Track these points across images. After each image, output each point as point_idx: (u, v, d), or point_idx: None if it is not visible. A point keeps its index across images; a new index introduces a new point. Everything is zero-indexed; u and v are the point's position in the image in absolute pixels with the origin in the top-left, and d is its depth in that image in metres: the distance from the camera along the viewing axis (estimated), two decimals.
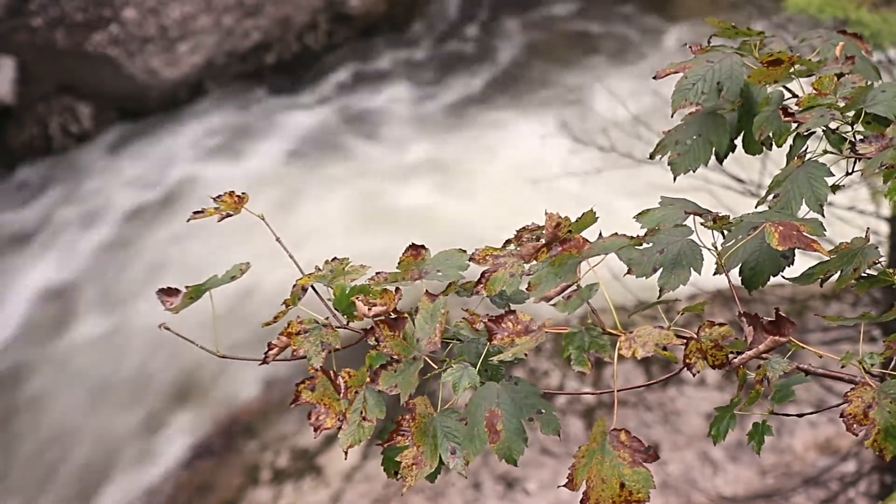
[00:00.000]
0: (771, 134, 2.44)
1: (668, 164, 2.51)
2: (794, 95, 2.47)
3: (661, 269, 2.26)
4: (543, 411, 2.12)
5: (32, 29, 11.50)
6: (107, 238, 10.36)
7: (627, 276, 2.26)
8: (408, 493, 6.26)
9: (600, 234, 2.24)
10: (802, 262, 2.35)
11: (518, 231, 2.29)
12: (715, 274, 2.28)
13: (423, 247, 2.33)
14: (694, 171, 2.51)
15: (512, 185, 9.98)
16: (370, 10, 12.32)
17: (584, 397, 8.20)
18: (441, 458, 2.11)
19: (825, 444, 7.99)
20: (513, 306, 2.22)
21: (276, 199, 10.35)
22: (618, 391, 2.16)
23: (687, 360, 2.13)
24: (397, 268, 2.32)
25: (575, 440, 7.96)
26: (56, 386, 9.26)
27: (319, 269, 2.32)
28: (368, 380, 2.16)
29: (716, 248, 2.27)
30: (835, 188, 2.35)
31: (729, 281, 2.25)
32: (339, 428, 2.15)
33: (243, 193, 2.41)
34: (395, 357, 2.17)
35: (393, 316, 2.20)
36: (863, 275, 2.27)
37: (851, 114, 2.37)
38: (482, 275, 2.24)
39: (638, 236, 2.25)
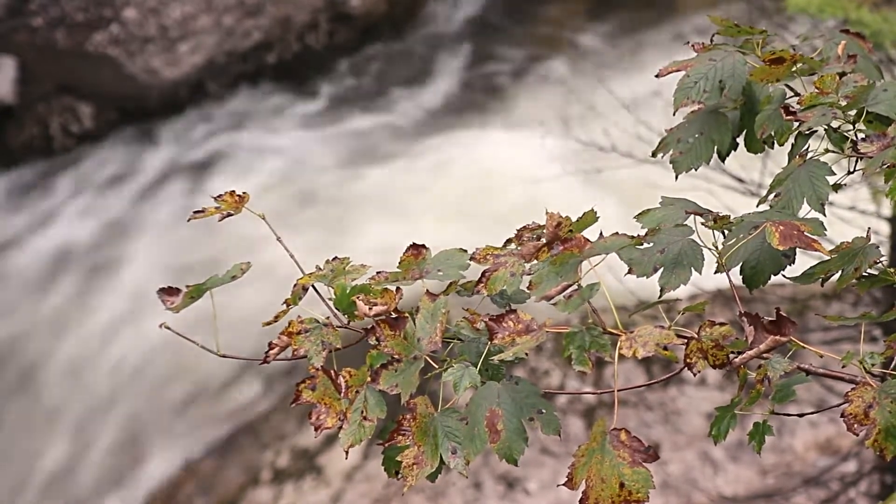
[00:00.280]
0: (773, 132, 2.44)
1: (670, 162, 2.51)
2: (796, 94, 2.47)
3: (661, 269, 2.25)
4: (544, 411, 2.12)
5: (33, 29, 11.51)
6: (108, 239, 10.36)
7: (628, 276, 2.26)
8: (408, 492, 6.25)
9: (601, 233, 2.24)
10: (803, 262, 2.35)
11: (519, 230, 2.29)
12: (716, 273, 2.28)
13: (423, 246, 2.33)
14: (696, 170, 2.51)
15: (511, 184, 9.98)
16: (371, 10, 12.32)
17: (585, 397, 8.20)
18: (442, 458, 2.11)
19: (826, 444, 7.99)
20: (514, 306, 2.22)
21: (278, 198, 10.35)
22: (618, 391, 2.16)
23: (688, 360, 2.13)
24: (398, 267, 2.32)
25: (575, 440, 7.96)
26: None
27: (320, 269, 2.32)
28: (369, 379, 2.16)
29: (716, 247, 2.27)
30: (836, 187, 2.35)
31: (730, 280, 2.25)
32: (340, 427, 2.15)
33: (244, 193, 2.41)
34: (396, 356, 2.17)
35: (394, 315, 2.20)
36: (864, 274, 2.27)
37: (853, 113, 2.37)
38: (483, 274, 2.24)
39: (639, 236, 2.25)
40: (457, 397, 2.13)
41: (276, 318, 2.27)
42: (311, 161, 11.01)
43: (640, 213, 2.35)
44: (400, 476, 2.12)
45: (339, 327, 2.24)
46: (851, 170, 2.36)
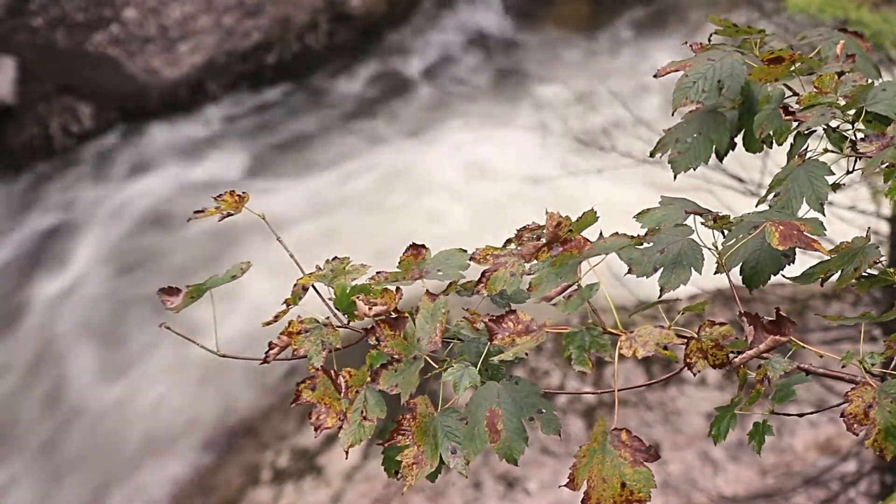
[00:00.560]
0: (771, 132, 2.44)
1: (669, 162, 2.51)
2: (795, 94, 2.47)
3: (661, 269, 2.25)
4: (544, 411, 2.12)
5: (33, 29, 11.51)
6: (108, 240, 10.36)
7: (628, 276, 2.26)
8: (408, 492, 6.25)
9: (601, 233, 2.24)
10: (803, 262, 2.35)
11: (518, 230, 2.29)
12: (715, 273, 2.28)
13: (423, 246, 2.33)
14: (695, 170, 2.51)
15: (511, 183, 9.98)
16: (371, 10, 12.32)
17: (585, 397, 8.20)
18: (442, 458, 2.11)
19: (826, 444, 7.99)
20: (513, 306, 2.22)
21: (276, 201, 10.35)
22: (618, 391, 2.16)
23: (687, 360, 2.13)
24: (398, 267, 2.32)
25: (575, 440, 7.96)
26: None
27: (320, 269, 2.32)
28: (369, 379, 2.16)
29: (716, 247, 2.27)
30: (835, 187, 2.35)
31: (729, 280, 2.25)
32: (340, 427, 2.15)
33: (244, 193, 2.41)
34: (396, 356, 2.17)
35: (393, 315, 2.20)
36: (863, 274, 2.27)
37: (852, 112, 2.37)
38: (483, 274, 2.24)
39: (638, 236, 2.25)
40: (457, 397, 2.13)
41: (276, 317, 2.27)
42: (311, 161, 11.01)
43: (639, 213, 2.35)
44: (400, 476, 2.12)
45: (339, 327, 2.24)
46: (850, 169, 2.36)
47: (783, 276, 2.31)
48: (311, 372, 2.18)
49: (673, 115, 2.52)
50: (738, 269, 2.30)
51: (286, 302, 2.28)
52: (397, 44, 12.39)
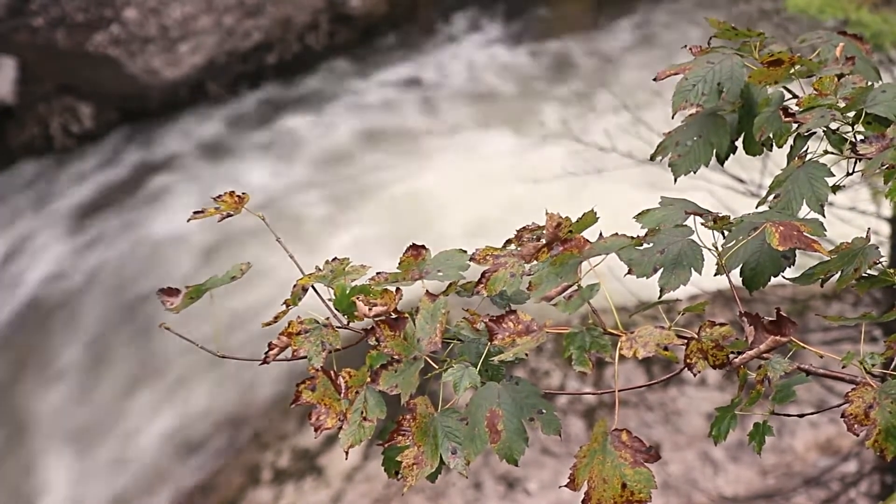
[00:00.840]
0: (771, 135, 2.44)
1: (669, 165, 2.51)
2: (795, 96, 2.47)
3: (661, 270, 2.25)
4: (544, 411, 2.12)
5: (33, 29, 11.51)
6: (109, 243, 10.37)
7: (628, 277, 2.26)
8: (408, 493, 6.26)
9: (601, 234, 2.24)
10: (803, 262, 2.35)
11: (518, 231, 2.29)
12: (716, 274, 2.28)
13: (423, 247, 2.33)
14: (695, 173, 2.51)
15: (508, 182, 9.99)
16: (371, 11, 12.33)
17: (585, 397, 8.20)
18: (442, 458, 2.11)
19: (826, 445, 7.99)
20: (514, 306, 2.22)
21: (276, 201, 10.35)
22: (619, 391, 2.16)
23: (688, 360, 2.13)
24: (398, 268, 2.32)
25: (576, 440, 7.96)
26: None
27: (320, 269, 2.32)
28: (369, 380, 2.16)
29: (716, 248, 2.27)
30: (835, 188, 2.35)
31: (730, 281, 2.25)
32: (340, 428, 2.15)
33: (244, 193, 2.41)
34: (396, 357, 2.17)
35: (393, 316, 2.20)
36: (863, 275, 2.27)
37: (852, 114, 2.37)
38: (483, 275, 2.24)
39: (638, 236, 2.25)
40: (457, 397, 2.13)
41: (276, 318, 2.27)
42: (311, 161, 11.01)
43: (639, 214, 2.35)
44: (400, 476, 2.12)
45: (339, 328, 2.24)
46: (850, 171, 2.36)
47: (783, 276, 2.31)
48: (311, 372, 2.18)
49: (673, 118, 2.52)
50: (738, 269, 2.30)
51: (286, 302, 2.28)
52: (398, 44, 12.39)
